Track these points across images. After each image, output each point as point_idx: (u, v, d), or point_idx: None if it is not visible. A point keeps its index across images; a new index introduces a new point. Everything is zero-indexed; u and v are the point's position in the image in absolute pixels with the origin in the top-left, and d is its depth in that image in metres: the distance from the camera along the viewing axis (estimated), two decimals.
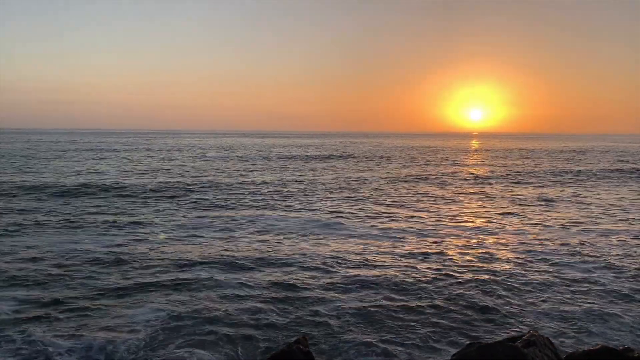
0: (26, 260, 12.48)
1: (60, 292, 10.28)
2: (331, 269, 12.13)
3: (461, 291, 10.67)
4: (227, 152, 64.75)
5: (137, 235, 15.37)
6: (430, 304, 9.91)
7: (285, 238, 15.43)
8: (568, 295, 10.45)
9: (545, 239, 15.60)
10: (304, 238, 15.51)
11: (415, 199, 24.26)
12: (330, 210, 20.50)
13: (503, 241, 15.42)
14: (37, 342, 7.87)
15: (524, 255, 13.64)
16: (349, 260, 12.90)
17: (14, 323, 8.66)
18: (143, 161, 46.72)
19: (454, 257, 13.44)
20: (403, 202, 23.12)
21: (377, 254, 13.71)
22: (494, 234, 16.52)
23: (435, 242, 15.16)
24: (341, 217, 19.07)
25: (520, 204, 22.80)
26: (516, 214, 20.13)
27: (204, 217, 18.64)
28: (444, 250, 14.15)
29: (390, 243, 15.01)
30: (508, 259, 13.27)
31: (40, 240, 14.62)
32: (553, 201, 23.74)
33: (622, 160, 54.09)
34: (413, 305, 9.82)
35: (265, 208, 20.80)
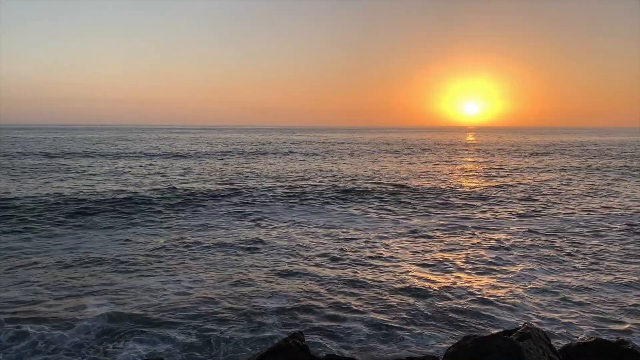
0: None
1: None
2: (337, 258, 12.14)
3: (459, 285, 10.73)
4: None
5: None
6: (426, 297, 9.95)
7: None
8: (566, 289, 10.50)
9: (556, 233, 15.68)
10: None
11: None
12: None
13: (508, 237, 15.49)
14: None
15: (527, 251, 13.72)
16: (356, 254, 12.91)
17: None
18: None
19: (454, 251, 13.50)
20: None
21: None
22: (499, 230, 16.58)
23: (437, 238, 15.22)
24: None
25: None
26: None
27: None
28: (448, 246, 14.21)
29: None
30: (511, 254, 13.34)
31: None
32: None
33: None
34: (410, 298, 9.86)
35: None
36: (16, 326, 8.24)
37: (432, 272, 11.59)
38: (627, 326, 8.64)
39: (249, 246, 13.73)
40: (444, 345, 7.68)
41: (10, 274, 11.10)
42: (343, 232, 15.75)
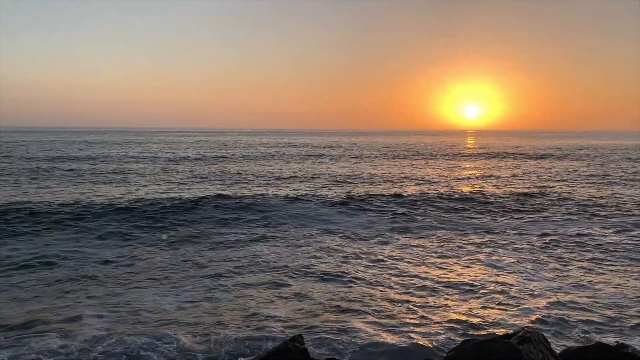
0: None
1: None
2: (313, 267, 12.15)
3: (458, 289, 10.72)
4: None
5: None
6: (426, 301, 9.95)
7: None
8: (566, 293, 10.50)
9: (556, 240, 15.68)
10: None
11: None
12: None
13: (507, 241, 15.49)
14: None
15: (527, 254, 13.72)
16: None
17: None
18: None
19: (454, 254, 13.50)
20: None
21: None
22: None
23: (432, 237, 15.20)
24: None
25: None
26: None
27: None
28: (445, 251, 14.21)
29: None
30: (511, 257, 13.33)
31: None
32: None
33: None
34: (410, 302, 9.86)
35: None
36: (13, 335, 8.20)
37: (432, 276, 11.58)
38: (627, 330, 8.63)
39: (252, 252, 13.71)
40: (444, 349, 7.67)
41: (7, 281, 11.05)
42: (345, 235, 15.75)
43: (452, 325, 8.81)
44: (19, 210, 18.32)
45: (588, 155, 59.04)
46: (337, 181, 30.58)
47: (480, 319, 9.07)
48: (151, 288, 10.57)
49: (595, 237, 15.49)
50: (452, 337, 8.26)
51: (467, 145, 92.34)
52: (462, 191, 26.14)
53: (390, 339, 8.19)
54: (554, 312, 9.40)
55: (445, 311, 9.43)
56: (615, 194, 25.48)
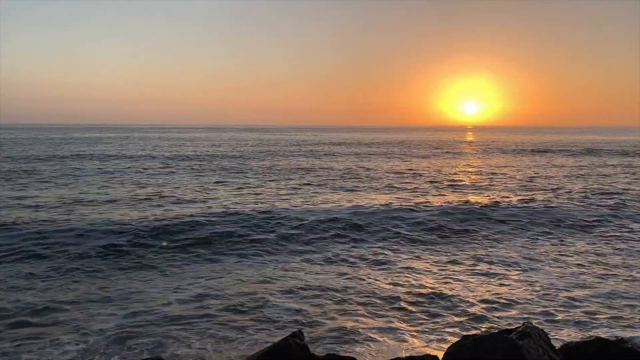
0: None
1: None
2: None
3: (458, 285, 10.74)
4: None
5: None
6: (425, 296, 9.97)
7: None
8: (565, 288, 10.51)
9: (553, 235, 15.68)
10: None
11: None
12: None
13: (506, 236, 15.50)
14: None
15: (525, 250, 13.73)
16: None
17: None
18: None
19: (452, 249, 13.51)
20: None
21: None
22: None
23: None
24: None
25: None
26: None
27: None
28: (443, 241, 14.22)
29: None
30: (509, 253, 13.35)
31: None
32: None
33: None
34: (410, 299, 9.88)
35: None
36: (19, 340, 8.13)
37: (431, 274, 11.60)
38: (627, 325, 8.64)
39: (256, 253, 13.67)
40: (444, 345, 7.69)
41: (8, 282, 11.00)
42: (347, 235, 15.74)
43: (452, 321, 8.83)
44: (20, 210, 18.32)
45: (588, 149, 58.92)
46: (338, 180, 30.57)
47: (480, 315, 9.09)
48: (157, 288, 10.51)
49: (595, 233, 15.49)
50: (452, 333, 8.28)
51: (469, 141, 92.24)
52: (461, 188, 26.12)
53: (389, 335, 8.21)
54: (554, 307, 9.42)
55: (445, 307, 9.45)
56: (615, 189, 25.44)
